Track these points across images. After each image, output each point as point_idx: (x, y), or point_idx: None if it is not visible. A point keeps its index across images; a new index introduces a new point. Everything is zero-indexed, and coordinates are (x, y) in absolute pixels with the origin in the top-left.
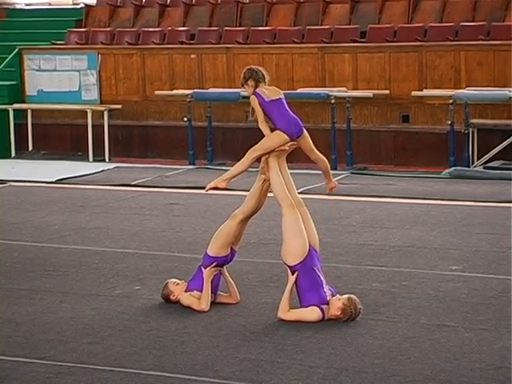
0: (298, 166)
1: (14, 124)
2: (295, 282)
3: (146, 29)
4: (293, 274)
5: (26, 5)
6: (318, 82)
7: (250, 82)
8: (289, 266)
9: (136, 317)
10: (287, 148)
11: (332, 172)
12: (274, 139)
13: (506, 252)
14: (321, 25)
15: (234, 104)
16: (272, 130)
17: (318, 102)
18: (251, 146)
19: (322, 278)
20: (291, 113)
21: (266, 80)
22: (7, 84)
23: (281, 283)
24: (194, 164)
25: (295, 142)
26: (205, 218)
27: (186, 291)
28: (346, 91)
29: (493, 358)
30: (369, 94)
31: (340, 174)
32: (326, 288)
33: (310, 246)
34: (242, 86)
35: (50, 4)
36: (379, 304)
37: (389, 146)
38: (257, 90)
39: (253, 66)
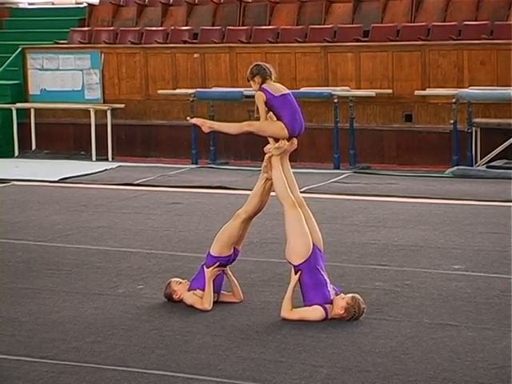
0: (300, 165)
1: (17, 123)
2: (299, 280)
3: (148, 28)
4: (296, 273)
5: (29, 4)
6: (320, 82)
7: (257, 79)
8: (293, 266)
9: (139, 316)
10: (286, 147)
11: (335, 171)
12: (274, 127)
13: (508, 251)
14: (324, 24)
15: (236, 103)
16: None
17: (320, 101)
18: (254, 146)
19: (326, 278)
20: (300, 113)
21: (273, 77)
22: (10, 83)
23: (284, 282)
24: (196, 163)
25: (293, 142)
26: (207, 217)
27: (188, 290)
28: (348, 90)
29: (496, 358)
30: (372, 93)
31: (343, 173)
32: (330, 287)
33: (313, 245)
34: (248, 81)
35: (52, 3)
36: (382, 303)
37: (392, 145)
38: (263, 85)
39: (260, 63)
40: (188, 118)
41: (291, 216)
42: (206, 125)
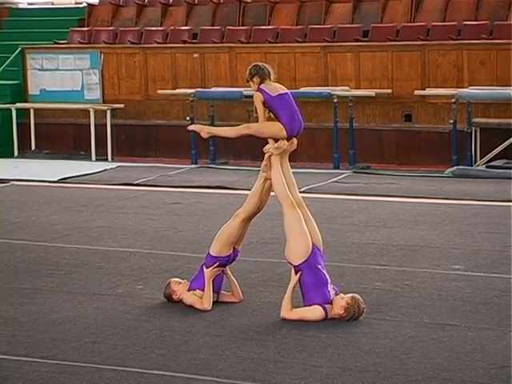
0: (300, 165)
1: (17, 123)
2: (299, 280)
3: (148, 28)
4: (296, 273)
5: (29, 4)
6: (320, 81)
7: (256, 79)
8: (293, 266)
9: (139, 316)
10: (285, 147)
11: (335, 171)
12: (273, 129)
13: (508, 251)
14: (323, 24)
15: (236, 103)
16: None
17: (320, 101)
18: (253, 146)
19: (327, 277)
20: (298, 113)
21: (272, 77)
22: (10, 83)
23: (283, 282)
24: (196, 163)
25: (293, 142)
26: (207, 217)
27: (188, 290)
28: (348, 90)
29: (495, 357)
30: (371, 93)
31: (343, 173)
32: (331, 287)
33: (313, 244)
34: (248, 82)
35: (52, 3)
36: (382, 303)
37: (391, 145)
38: (261, 86)
39: (259, 63)
40: (187, 117)
41: (290, 216)
42: (205, 130)
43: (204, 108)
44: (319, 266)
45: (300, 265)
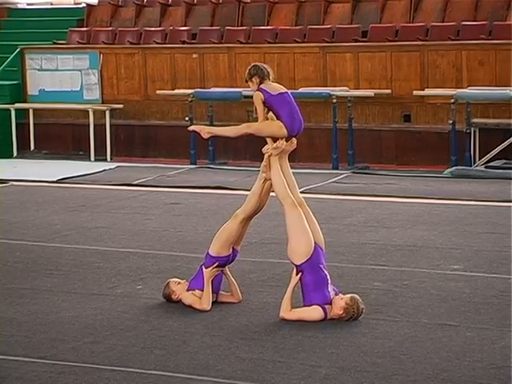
0: (299, 165)
1: (16, 124)
2: (301, 280)
3: (147, 28)
4: (297, 273)
5: (28, 4)
6: (319, 82)
7: (255, 79)
8: (296, 265)
9: (138, 316)
10: (283, 147)
11: (334, 171)
12: (272, 127)
13: (507, 251)
14: (322, 24)
15: (235, 103)
16: None
17: (319, 102)
18: (252, 146)
19: (328, 277)
20: (299, 112)
21: (271, 77)
22: (9, 84)
23: (282, 282)
24: (195, 163)
25: (293, 142)
26: (206, 217)
27: (187, 290)
28: (347, 91)
29: (494, 358)
30: (370, 93)
31: (341, 174)
32: (331, 288)
33: (315, 243)
34: (247, 82)
35: (51, 3)
36: (381, 303)
37: (390, 145)
38: (261, 85)
39: (258, 63)
40: (186, 117)
41: (291, 216)
42: (205, 131)
43: (203, 108)
44: (321, 266)
45: (302, 264)
